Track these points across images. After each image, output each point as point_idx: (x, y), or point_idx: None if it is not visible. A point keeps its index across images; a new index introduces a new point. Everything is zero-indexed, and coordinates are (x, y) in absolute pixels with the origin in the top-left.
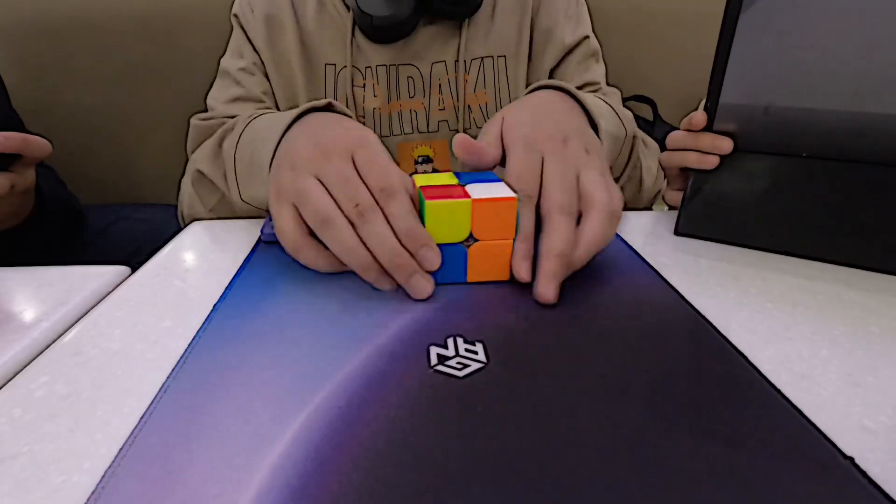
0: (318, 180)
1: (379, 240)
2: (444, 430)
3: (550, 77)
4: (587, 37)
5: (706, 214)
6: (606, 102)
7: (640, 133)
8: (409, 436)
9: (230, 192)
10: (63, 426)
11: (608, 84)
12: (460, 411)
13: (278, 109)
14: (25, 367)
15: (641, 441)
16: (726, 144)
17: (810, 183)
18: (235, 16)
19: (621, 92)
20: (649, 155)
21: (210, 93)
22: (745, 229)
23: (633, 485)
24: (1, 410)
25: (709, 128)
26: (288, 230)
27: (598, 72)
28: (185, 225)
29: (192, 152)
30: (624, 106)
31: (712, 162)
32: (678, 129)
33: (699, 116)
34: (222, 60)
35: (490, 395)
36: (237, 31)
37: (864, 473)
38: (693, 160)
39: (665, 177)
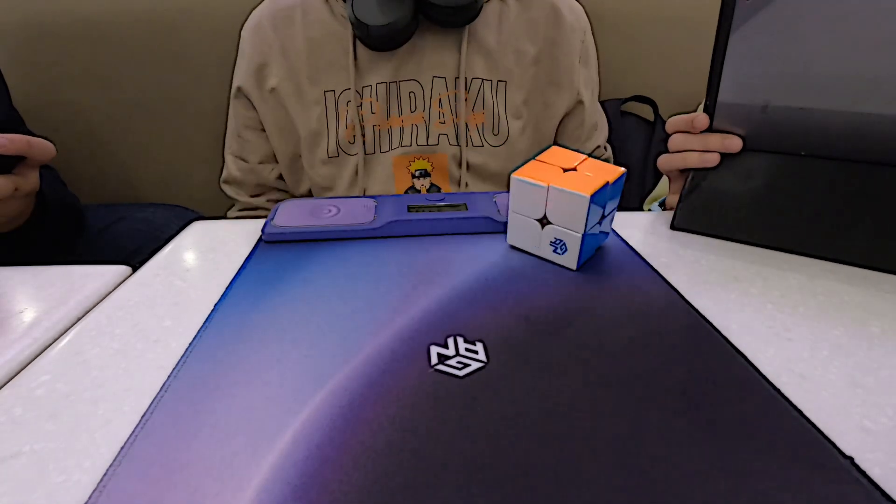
0: None
1: None
2: (445, 430)
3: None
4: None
5: (703, 210)
6: None
7: None
8: (409, 435)
9: None
10: (64, 425)
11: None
12: (461, 411)
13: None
14: (27, 365)
15: (641, 441)
16: (736, 143)
17: (808, 181)
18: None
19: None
20: None
21: (227, 133)
22: (742, 225)
23: (632, 484)
24: (2, 409)
25: (708, 127)
26: None
27: (601, 136)
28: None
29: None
30: (624, 105)
31: (713, 160)
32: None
33: (702, 118)
34: (234, 79)
35: (490, 395)
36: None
37: (863, 473)
38: (694, 160)
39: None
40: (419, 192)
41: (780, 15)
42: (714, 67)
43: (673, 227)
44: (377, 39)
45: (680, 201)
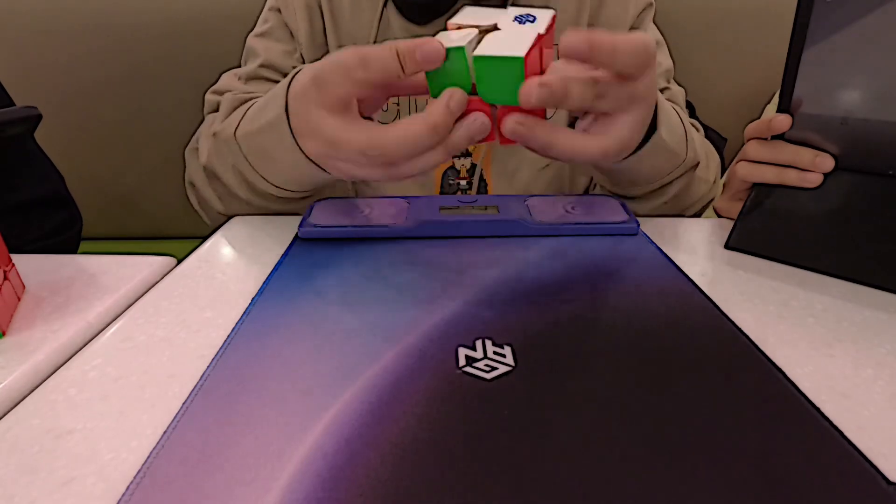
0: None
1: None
2: (471, 431)
3: None
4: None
5: (764, 230)
6: (682, 121)
7: (709, 153)
8: (436, 435)
9: (257, 184)
10: (113, 407)
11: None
12: (487, 413)
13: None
14: (81, 349)
15: (671, 455)
16: (829, 163)
17: (893, 205)
18: (278, 10)
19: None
20: (710, 169)
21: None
22: (807, 250)
23: (660, 494)
24: (59, 389)
25: (781, 136)
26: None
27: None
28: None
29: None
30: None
31: (813, 180)
32: (715, 131)
33: (783, 119)
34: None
35: (517, 399)
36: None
37: None
38: (771, 176)
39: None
40: (458, 171)
41: (864, 14)
42: (788, 73)
43: (728, 246)
44: (415, 7)
45: (739, 219)
